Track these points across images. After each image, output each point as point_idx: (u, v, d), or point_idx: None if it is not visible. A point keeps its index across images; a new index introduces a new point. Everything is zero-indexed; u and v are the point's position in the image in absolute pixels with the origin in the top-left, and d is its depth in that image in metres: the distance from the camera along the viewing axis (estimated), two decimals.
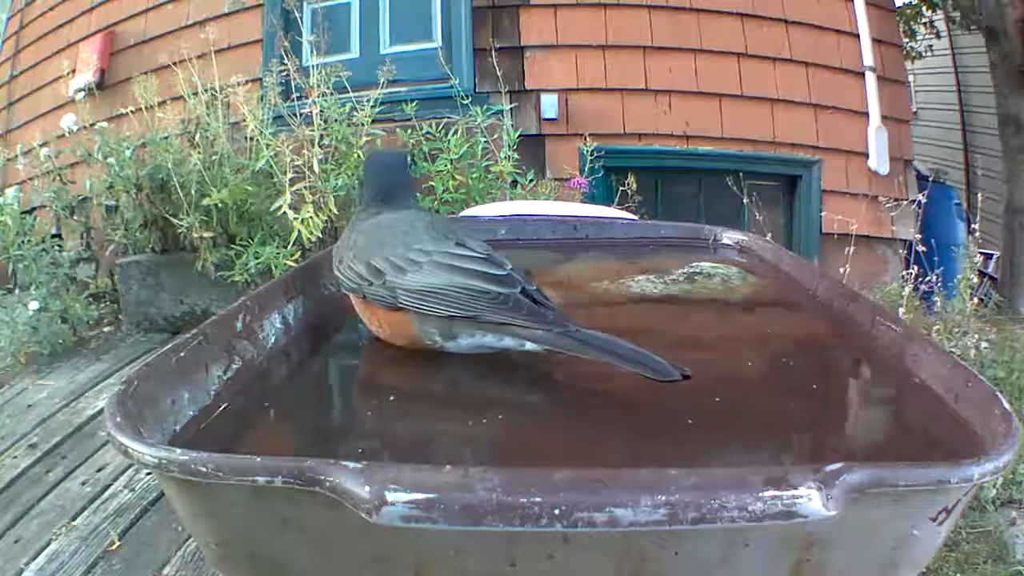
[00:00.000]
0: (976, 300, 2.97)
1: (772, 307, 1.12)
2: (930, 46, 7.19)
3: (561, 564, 0.50)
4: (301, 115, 3.20)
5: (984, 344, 2.62)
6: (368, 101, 3.22)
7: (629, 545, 0.50)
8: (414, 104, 3.46)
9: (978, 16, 4.60)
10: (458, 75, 3.68)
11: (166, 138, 3.29)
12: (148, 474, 2.16)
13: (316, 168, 3.07)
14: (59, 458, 2.33)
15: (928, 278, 2.95)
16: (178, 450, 0.52)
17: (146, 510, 2.04)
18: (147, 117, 3.34)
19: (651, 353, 0.69)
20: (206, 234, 3.14)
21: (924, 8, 6.67)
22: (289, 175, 3.03)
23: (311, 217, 2.98)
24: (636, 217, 2.31)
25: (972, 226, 3.12)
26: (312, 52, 3.45)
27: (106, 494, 2.13)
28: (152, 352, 1.05)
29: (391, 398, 0.76)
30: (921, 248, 3.06)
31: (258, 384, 0.76)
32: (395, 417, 0.71)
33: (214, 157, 3.20)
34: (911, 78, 6.76)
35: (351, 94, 3.26)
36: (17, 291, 3.72)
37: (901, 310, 2.87)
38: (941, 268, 2.97)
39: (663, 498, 0.46)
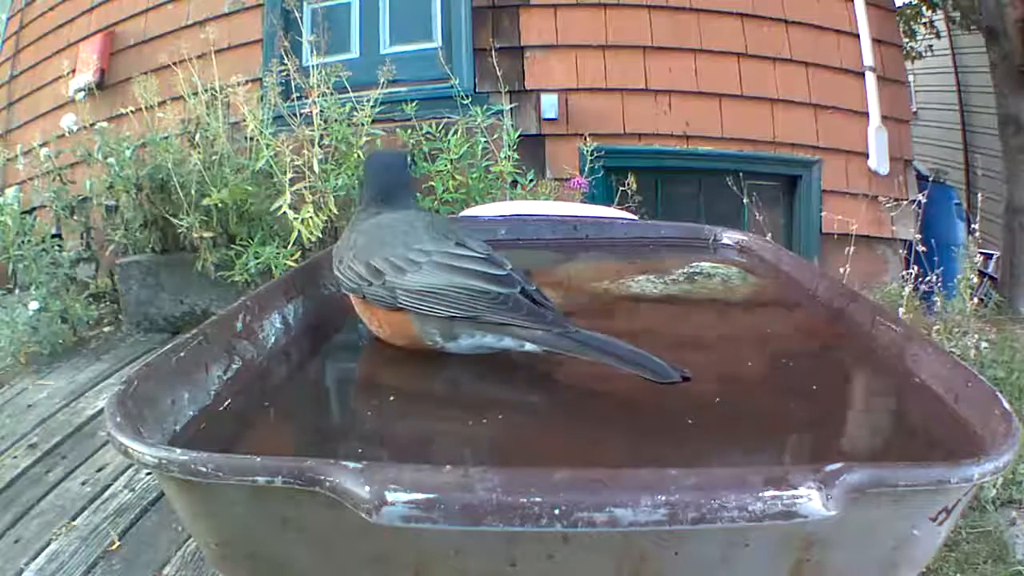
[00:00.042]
0: (976, 300, 2.97)
1: (772, 307, 1.12)
2: (930, 46, 7.19)
3: (561, 564, 0.50)
4: (301, 115, 3.20)
5: (984, 344, 2.62)
6: (368, 101, 3.22)
7: (629, 545, 0.50)
8: (414, 104, 3.46)
9: (978, 16, 4.60)
10: (458, 75, 3.68)
11: (166, 138, 3.29)
12: (148, 474, 2.16)
13: (316, 168, 3.07)
14: (59, 458, 2.33)
15: (928, 278, 2.95)
16: (178, 450, 0.52)
17: (146, 510, 2.04)
18: (147, 117, 3.34)
19: (650, 354, 0.69)
20: (206, 234, 3.14)
21: (924, 8, 6.67)
22: (289, 175, 3.03)
23: (311, 217, 2.98)
24: (636, 217, 2.31)
25: (972, 226, 3.12)
26: (312, 52, 3.45)
27: (106, 494, 2.13)
28: (152, 352, 1.05)
29: (391, 398, 0.76)
30: (921, 248, 3.06)
31: (258, 384, 0.76)
32: (395, 417, 0.71)
33: (214, 157, 3.20)
34: (911, 78, 6.76)
35: (351, 94, 3.26)
36: (17, 291, 3.72)
37: (901, 310, 2.87)
38: (941, 268, 2.97)
39: (663, 498, 0.46)
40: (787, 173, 4.05)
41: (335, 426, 0.74)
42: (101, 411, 2.38)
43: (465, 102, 3.46)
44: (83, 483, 2.18)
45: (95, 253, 3.63)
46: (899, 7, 5.76)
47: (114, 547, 1.89)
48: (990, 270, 4.66)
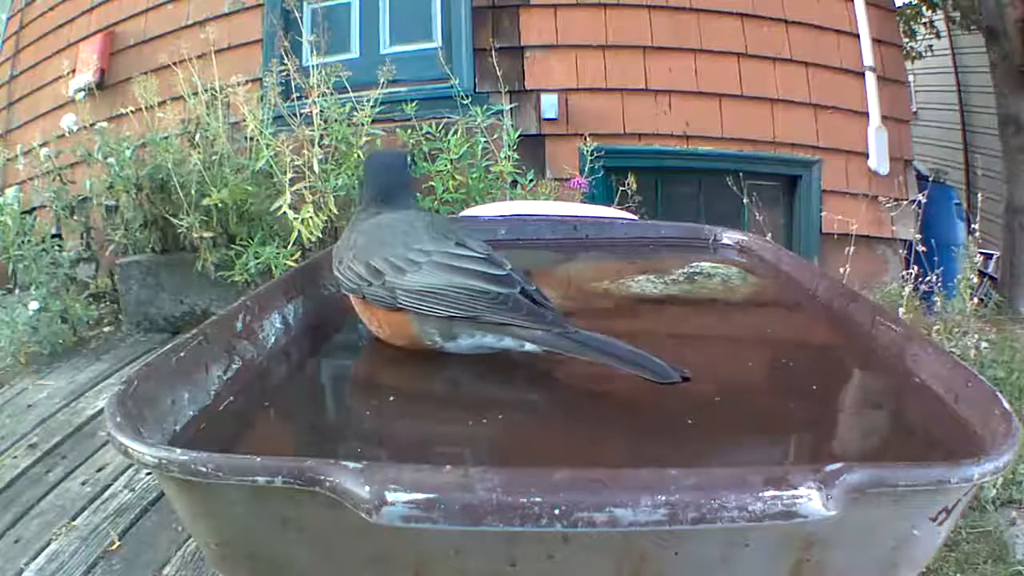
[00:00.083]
0: (976, 300, 2.97)
1: (772, 307, 1.12)
2: (930, 46, 7.19)
3: (561, 564, 0.50)
4: (301, 115, 3.20)
5: (984, 344, 2.62)
6: (368, 101, 3.22)
7: (629, 545, 0.50)
8: (414, 104, 3.46)
9: (978, 16, 4.60)
10: (458, 75, 3.68)
11: (166, 138, 3.29)
12: (148, 474, 2.16)
13: (316, 168, 3.07)
14: (59, 458, 2.33)
15: (928, 278, 2.95)
16: (178, 450, 0.52)
17: (146, 510, 2.04)
18: (147, 117, 3.34)
19: (650, 355, 0.69)
20: (206, 234, 3.14)
21: (924, 8, 6.67)
22: (289, 175, 3.03)
23: (311, 217, 2.98)
24: (636, 217, 2.31)
25: (972, 226, 3.12)
26: (312, 52, 3.45)
27: (106, 494, 2.13)
28: (152, 352, 1.05)
29: (391, 398, 0.76)
30: (921, 248, 3.06)
31: (258, 384, 0.76)
32: (395, 417, 0.71)
33: (214, 157, 3.20)
34: (911, 78, 6.76)
35: (351, 94, 3.26)
36: (17, 291, 3.72)
37: (901, 310, 2.87)
38: (941, 268, 2.97)
39: (663, 498, 0.46)
40: (787, 173, 4.05)
41: (335, 426, 0.74)
42: (101, 411, 2.38)
43: (465, 102, 3.46)
44: (83, 483, 2.18)
45: (95, 253, 3.63)
46: (899, 7, 5.76)
47: (114, 547, 1.89)
48: (990, 270, 4.66)
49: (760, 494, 0.46)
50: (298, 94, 3.24)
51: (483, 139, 3.39)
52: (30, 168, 3.62)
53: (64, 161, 3.58)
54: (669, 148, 3.93)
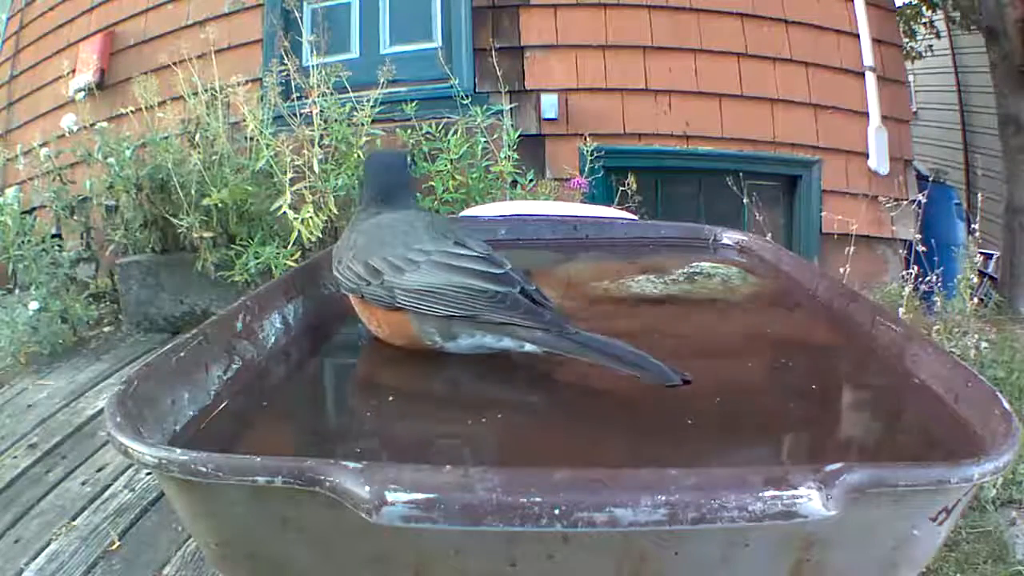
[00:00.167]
0: (976, 300, 2.97)
1: (772, 307, 1.12)
2: (930, 46, 7.19)
3: (561, 564, 0.50)
4: (301, 115, 3.20)
5: (984, 344, 2.62)
6: (368, 101, 3.22)
7: (629, 545, 0.50)
8: (414, 104, 3.46)
9: (978, 16, 4.60)
10: (458, 75, 3.68)
11: (166, 138, 3.29)
12: (148, 474, 2.16)
13: (316, 168, 3.07)
14: (59, 458, 2.33)
15: (928, 278, 2.95)
16: (178, 450, 0.52)
17: (146, 510, 2.04)
18: (147, 117, 3.34)
19: (651, 357, 0.69)
20: (206, 234, 3.14)
21: (924, 8, 6.66)
22: (289, 175, 3.03)
23: (311, 217, 2.98)
24: (636, 217, 2.31)
25: (972, 226, 3.12)
26: (312, 52, 3.45)
27: (106, 494, 2.13)
28: (152, 352, 1.05)
29: (390, 398, 0.76)
30: (921, 248, 3.06)
31: (258, 384, 0.76)
32: (395, 417, 0.71)
33: (214, 157, 3.20)
34: (911, 78, 6.76)
35: (351, 94, 3.26)
36: (17, 291, 3.72)
37: (901, 310, 2.87)
38: (941, 268, 2.97)
39: (663, 498, 0.46)
40: (787, 173, 4.05)
41: (335, 426, 0.74)
42: (101, 411, 2.37)
43: (465, 102, 3.46)
44: (83, 483, 2.18)
45: (95, 253, 3.63)
46: (899, 7, 5.76)
47: (114, 547, 1.89)
48: (990, 270, 4.66)
49: (760, 494, 0.46)
50: (298, 94, 3.24)
51: (483, 139, 3.39)
52: (30, 168, 3.63)
53: (64, 161, 3.58)
54: (669, 148, 3.93)
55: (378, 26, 4.14)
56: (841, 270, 3.11)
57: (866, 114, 3.92)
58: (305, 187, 3.05)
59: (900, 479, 0.50)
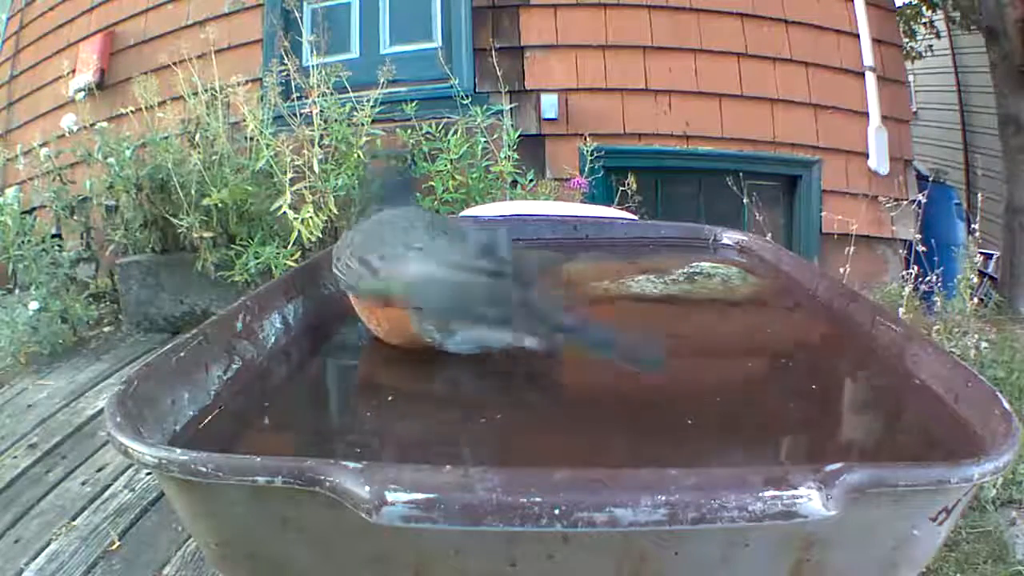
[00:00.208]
0: (976, 300, 2.97)
1: (772, 307, 1.12)
2: (930, 46, 7.18)
3: (561, 564, 0.50)
4: (301, 115, 3.20)
5: (984, 344, 2.62)
6: (368, 101, 3.22)
7: (629, 545, 0.50)
8: (414, 104, 3.46)
9: (978, 16, 4.60)
10: (458, 75, 3.67)
11: (166, 138, 3.29)
12: (148, 474, 2.16)
13: (316, 168, 3.07)
14: (59, 458, 2.33)
15: (928, 278, 2.94)
16: (178, 450, 0.52)
17: (146, 510, 2.04)
18: (147, 117, 3.33)
19: (649, 348, 0.69)
20: (206, 234, 3.14)
21: (924, 8, 6.66)
22: (289, 175, 3.03)
23: (311, 217, 2.98)
24: (636, 217, 2.31)
25: (972, 226, 3.12)
26: (312, 52, 3.45)
27: (106, 494, 2.13)
28: (152, 352, 1.05)
29: (390, 398, 0.76)
30: (921, 248, 3.06)
31: (258, 384, 0.76)
32: (395, 417, 0.71)
33: (214, 157, 3.20)
34: (911, 78, 6.76)
35: (351, 94, 3.26)
36: (17, 291, 3.72)
37: (901, 310, 2.86)
38: (941, 268, 2.97)
39: (663, 498, 0.46)
40: (787, 173, 4.05)
41: (335, 426, 0.74)
42: (101, 411, 2.38)
43: (465, 102, 3.46)
44: (83, 483, 2.18)
45: (95, 253, 3.63)
46: (899, 7, 5.76)
47: (114, 547, 1.89)
48: (990, 270, 4.66)
49: (760, 494, 0.46)
50: (298, 94, 3.24)
51: (483, 139, 3.39)
52: (30, 168, 3.62)
53: (64, 161, 3.58)
54: (669, 148, 3.93)
55: (378, 26, 4.14)
56: (841, 270, 3.11)
57: (866, 114, 3.91)
58: (305, 187, 3.05)
59: (900, 479, 0.50)
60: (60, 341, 3.19)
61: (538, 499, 0.46)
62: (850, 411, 0.77)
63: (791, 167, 4.00)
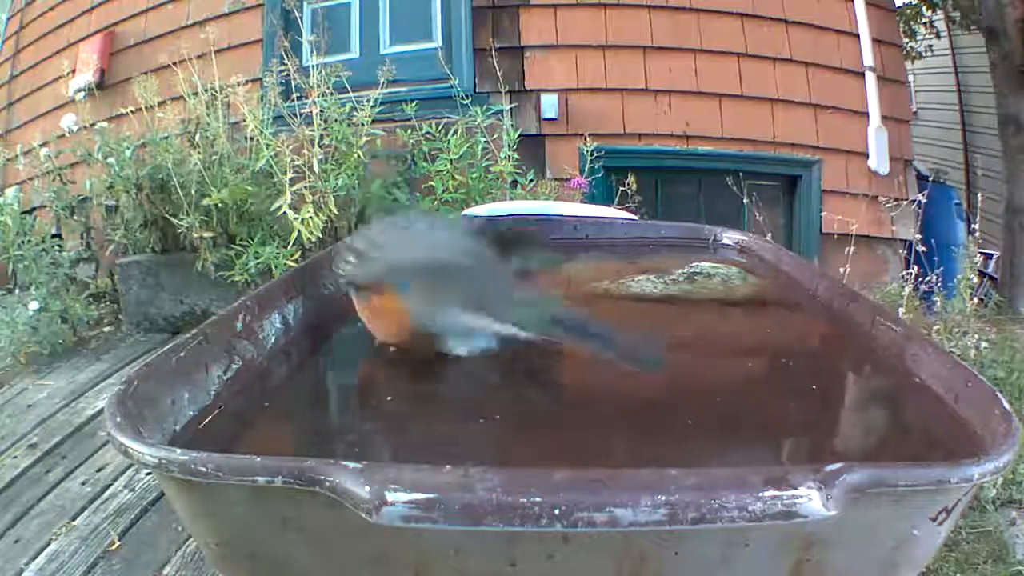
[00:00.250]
0: (976, 300, 2.97)
1: (772, 307, 1.12)
2: (930, 46, 7.18)
3: (561, 564, 0.50)
4: (301, 115, 3.20)
5: (984, 344, 2.62)
6: (368, 101, 3.22)
7: (629, 545, 0.50)
8: (414, 104, 3.46)
9: (978, 16, 4.60)
10: (458, 75, 3.67)
11: (166, 138, 3.28)
12: (148, 474, 2.16)
13: (316, 168, 3.07)
14: (59, 458, 2.33)
15: (928, 278, 2.94)
16: (178, 450, 0.52)
17: (146, 510, 2.04)
18: (147, 117, 3.33)
19: (649, 348, 0.69)
20: (206, 234, 3.14)
21: (924, 8, 6.66)
22: (289, 175, 3.03)
23: (311, 217, 2.98)
24: (636, 217, 2.31)
25: (972, 226, 3.12)
26: (312, 52, 3.45)
27: (106, 494, 2.13)
28: (152, 352, 1.05)
29: (390, 398, 0.76)
30: (921, 248, 3.06)
31: (258, 384, 0.76)
32: (395, 417, 0.71)
33: (214, 157, 3.20)
34: (911, 78, 6.76)
35: (351, 94, 3.26)
36: (17, 291, 3.72)
37: (901, 310, 2.86)
38: (941, 268, 2.97)
39: (663, 498, 0.46)
40: (787, 173, 4.05)
41: (335, 426, 0.74)
42: (101, 411, 2.38)
43: (465, 102, 3.46)
44: (83, 483, 2.18)
45: (95, 253, 3.63)
46: (899, 7, 5.76)
47: (114, 547, 1.89)
48: (990, 270, 4.65)
49: (760, 494, 0.46)
50: (298, 94, 3.23)
51: (483, 139, 3.39)
52: (30, 168, 3.62)
53: (64, 161, 3.58)
54: (669, 148, 3.93)
55: (378, 26, 4.14)
56: (841, 270, 3.11)
57: (866, 114, 3.91)
58: (305, 187, 3.05)
59: (900, 479, 0.50)
60: (60, 341, 3.19)
61: (538, 499, 0.46)
62: (850, 411, 0.77)
63: (791, 167, 4.00)
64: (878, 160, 3.89)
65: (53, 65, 4.28)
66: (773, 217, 3.84)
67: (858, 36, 3.93)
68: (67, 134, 3.49)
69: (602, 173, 3.58)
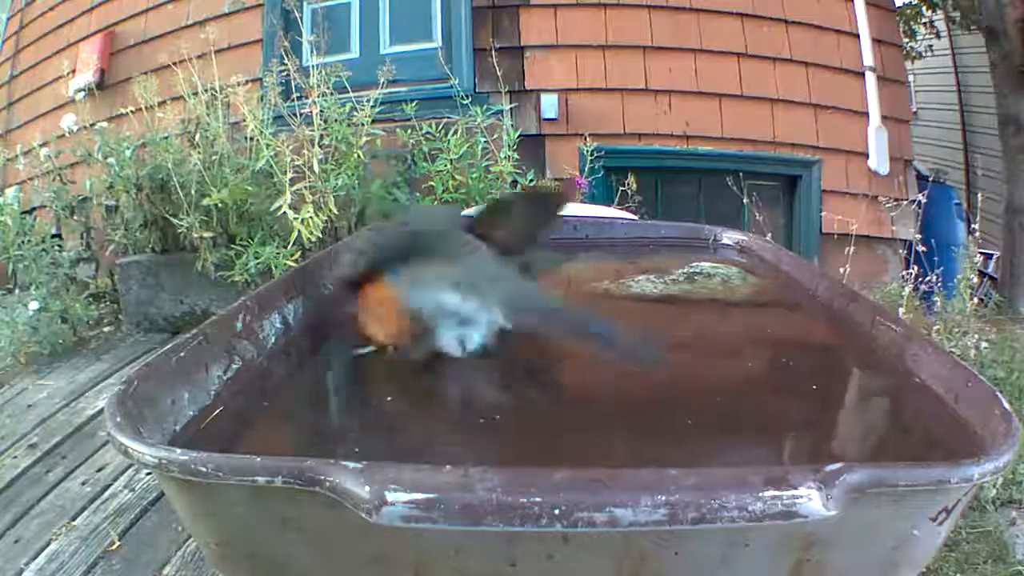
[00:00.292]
0: (976, 300, 2.97)
1: (772, 307, 1.12)
2: (930, 46, 7.18)
3: (561, 564, 0.50)
4: (301, 115, 3.20)
5: (984, 344, 2.62)
6: (368, 101, 3.22)
7: (629, 545, 0.50)
8: (414, 104, 3.46)
9: (978, 16, 4.60)
10: (458, 75, 3.67)
11: (166, 138, 3.28)
12: (148, 474, 2.16)
13: (316, 168, 3.07)
14: (59, 458, 2.33)
15: (928, 278, 2.94)
16: (178, 450, 0.52)
17: (146, 510, 2.04)
18: (147, 117, 3.33)
19: (649, 347, 0.69)
20: (206, 234, 3.14)
21: (924, 8, 6.66)
22: (289, 175, 3.03)
23: (311, 217, 2.98)
24: (636, 217, 2.31)
25: (972, 226, 3.12)
26: (312, 52, 3.45)
27: (106, 494, 2.13)
28: (152, 352, 1.05)
29: (390, 398, 0.76)
30: (921, 248, 3.06)
31: (258, 384, 0.76)
32: (395, 417, 0.71)
33: (214, 157, 3.20)
34: (911, 78, 6.76)
35: (351, 94, 3.26)
36: (17, 291, 3.72)
37: (901, 310, 2.86)
38: (941, 268, 2.96)
39: (663, 498, 0.46)
40: (787, 173, 4.05)
41: (335, 426, 0.74)
42: (101, 411, 2.37)
43: (465, 102, 3.46)
44: (83, 483, 2.18)
45: (95, 253, 3.63)
46: (899, 7, 5.76)
47: (114, 547, 1.89)
48: (990, 270, 4.65)
49: (760, 494, 0.46)
50: (298, 94, 3.23)
51: (483, 139, 3.39)
52: (30, 168, 3.62)
53: (64, 161, 3.58)
54: (669, 148, 3.93)
55: (378, 26, 4.14)
56: (841, 270, 3.11)
57: (866, 114, 3.91)
58: (305, 187, 3.05)
59: (900, 479, 0.50)
60: (60, 341, 3.19)
61: (538, 499, 0.46)
62: (850, 411, 0.77)
63: (791, 167, 4.00)
64: (878, 160, 3.89)
65: (53, 65, 4.28)
66: (773, 217, 3.84)
67: (858, 36, 3.93)
68: (67, 134, 3.49)
69: (602, 173, 3.58)
